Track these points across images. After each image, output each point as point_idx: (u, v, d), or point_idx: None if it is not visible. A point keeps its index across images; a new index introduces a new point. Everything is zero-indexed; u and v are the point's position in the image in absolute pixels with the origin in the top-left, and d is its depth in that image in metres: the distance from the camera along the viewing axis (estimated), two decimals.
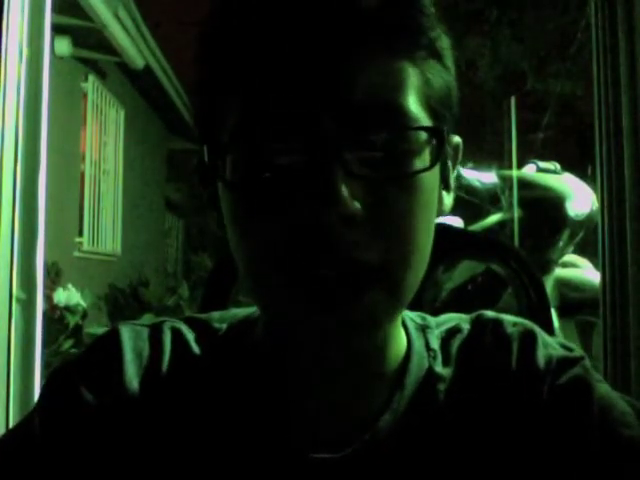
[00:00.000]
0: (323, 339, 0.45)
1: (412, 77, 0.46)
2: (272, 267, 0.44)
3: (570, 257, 3.30)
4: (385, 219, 0.44)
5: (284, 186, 0.43)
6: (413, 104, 0.45)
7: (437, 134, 0.46)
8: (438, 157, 0.46)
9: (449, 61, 0.50)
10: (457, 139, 0.54)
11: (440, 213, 0.51)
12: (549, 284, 3.11)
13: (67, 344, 4.05)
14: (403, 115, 0.44)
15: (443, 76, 0.49)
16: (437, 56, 0.48)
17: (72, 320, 4.26)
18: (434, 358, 0.53)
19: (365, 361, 0.50)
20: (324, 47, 0.43)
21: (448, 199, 0.53)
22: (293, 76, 0.43)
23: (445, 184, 0.52)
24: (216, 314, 0.58)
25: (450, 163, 0.53)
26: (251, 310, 0.57)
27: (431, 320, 0.57)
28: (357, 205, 0.42)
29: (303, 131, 0.43)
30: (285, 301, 0.45)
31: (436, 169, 0.48)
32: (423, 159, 0.45)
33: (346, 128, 0.43)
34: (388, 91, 0.44)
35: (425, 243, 0.47)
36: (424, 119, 0.46)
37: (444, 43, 0.49)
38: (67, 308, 4.26)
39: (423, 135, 0.45)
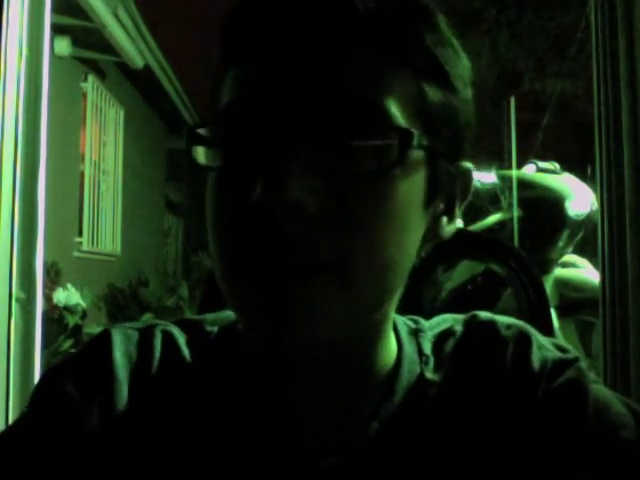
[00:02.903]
0: (266, 322, 0.44)
1: (402, 84, 0.45)
2: (227, 248, 0.45)
3: (570, 257, 3.30)
4: (339, 216, 0.43)
5: (246, 174, 0.44)
6: (394, 107, 0.44)
7: (403, 133, 0.44)
8: (400, 159, 0.44)
9: (460, 85, 0.49)
10: (467, 166, 0.52)
11: (437, 238, 0.51)
12: (549, 284, 3.11)
13: (67, 344, 4.05)
14: (378, 115, 0.44)
15: (446, 95, 0.48)
16: (439, 73, 0.47)
17: (72, 320, 4.26)
18: (426, 363, 0.52)
19: (352, 369, 0.50)
20: (306, 45, 0.44)
21: (449, 226, 0.51)
22: (271, 71, 0.44)
23: (448, 212, 0.51)
24: (210, 316, 0.58)
25: (457, 191, 0.51)
26: None
27: (424, 323, 0.57)
28: (308, 196, 0.42)
29: (272, 124, 0.43)
30: (236, 285, 0.45)
31: (416, 182, 0.46)
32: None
33: (315, 120, 0.43)
34: (365, 90, 0.44)
35: (392, 252, 0.45)
36: (406, 125, 0.45)
37: (456, 66, 0.49)
38: (67, 308, 4.26)
39: (394, 137, 0.44)
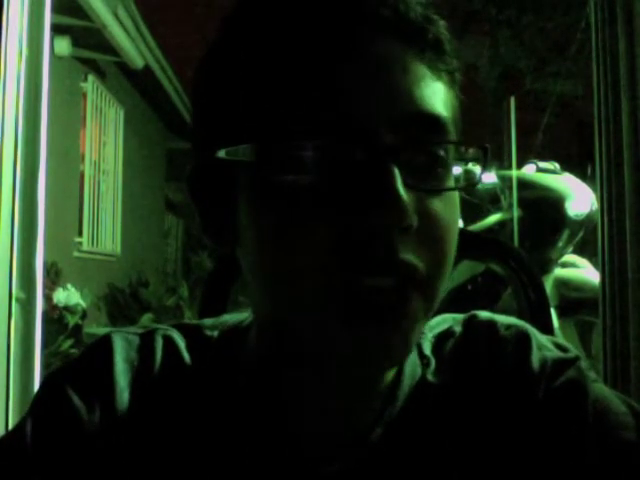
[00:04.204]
0: (363, 348, 0.43)
1: (448, 96, 0.47)
2: (317, 270, 0.43)
3: (570, 257, 3.31)
4: (431, 231, 0.44)
5: (342, 190, 0.43)
6: (452, 122, 0.46)
7: (486, 152, 0.47)
8: (482, 174, 0.48)
9: (459, 90, 0.51)
10: None
11: None
12: (549, 284, 3.12)
13: (67, 344, 4.05)
14: (449, 131, 0.46)
15: (457, 103, 0.50)
16: (456, 82, 0.49)
17: (72, 320, 4.26)
18: (427, 365, 0.52)
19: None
20: (381, 55, 0.44)
21: None
22: (353, 83, 0.43)
23: None
24: (208, 321, 0.58)
25: None
26: (242, 317, 0.56)
27: None
28: (414, 215, 0.43)
29: (361, 138, 0.43)
30: (324, 306, 0.43)
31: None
32: (454, 176, 0.47)
33: (402, 139, 0.43)
34: (437, 107, 0.45)
35: (451, 264, 0.47)
36: (458, 137, 0.48)
37: (459, 74, 0.50)
38: (67, 308, 4.26)
39: (462, 152, 0.47)
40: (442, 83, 0.47)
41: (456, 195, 0.47)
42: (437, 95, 0.46)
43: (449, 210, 0.45)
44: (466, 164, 0.48)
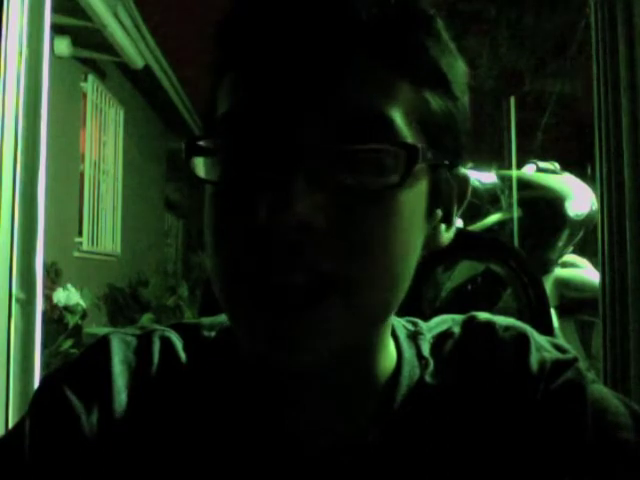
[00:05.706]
0: (273, 345, 0.44)
1: (406, 94, 0.44)
2: (230, 266, 0.44)
3: (570, 257, 3.31)
4: (347, 232, 0.42)
5: (249, 190, 0.43)
6: (399, 119, 0.43)
7: (410, 150, 0.43)
8: (407, 175, 0.43)
9: (459, 91, 0.49)
10: (464, 172, 0.52)
11: (436, 245, 0.50)
12: (549, 284, 3.12)
13: (67, 344, 4.05)
14: (385, 128, 0.43)
15: (447, 104, 0.47)
16: (441, 82, 0.47)
17: (71, 320, 4.26)
18: (426, 367, 0.52)
19: (351, 375, 0.49)
20: (309, 54, 0.43)
21: (447, 233, 0.52)
22: (274, 81, 0.43)
23: (446, 219, 0.51)
24: (206, 321, 0.58)
25: (455, 198, 0.51)
26: None
27: (422, 325, 0.56)
28: (315, 214, 0.41)
29: (275, 137, 0.42)
30: (238, 304, 0.45)
31: (419, 194, 0.46)
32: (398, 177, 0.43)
33: (321, 137, 0.42)
34: (371, 102, 0.43)
35: (397, 266, 0.45)
36: (411, 138, 0.44)
37: (456, 73, 0.48)
38: (66, 308, 4.26)
39: (401, 151, 0.43)
40: (401, 82, 0.44)
41: (393, 200, 0.44)
42: (377, 90, 0.43)
43: (373, 213, 0.43)
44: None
